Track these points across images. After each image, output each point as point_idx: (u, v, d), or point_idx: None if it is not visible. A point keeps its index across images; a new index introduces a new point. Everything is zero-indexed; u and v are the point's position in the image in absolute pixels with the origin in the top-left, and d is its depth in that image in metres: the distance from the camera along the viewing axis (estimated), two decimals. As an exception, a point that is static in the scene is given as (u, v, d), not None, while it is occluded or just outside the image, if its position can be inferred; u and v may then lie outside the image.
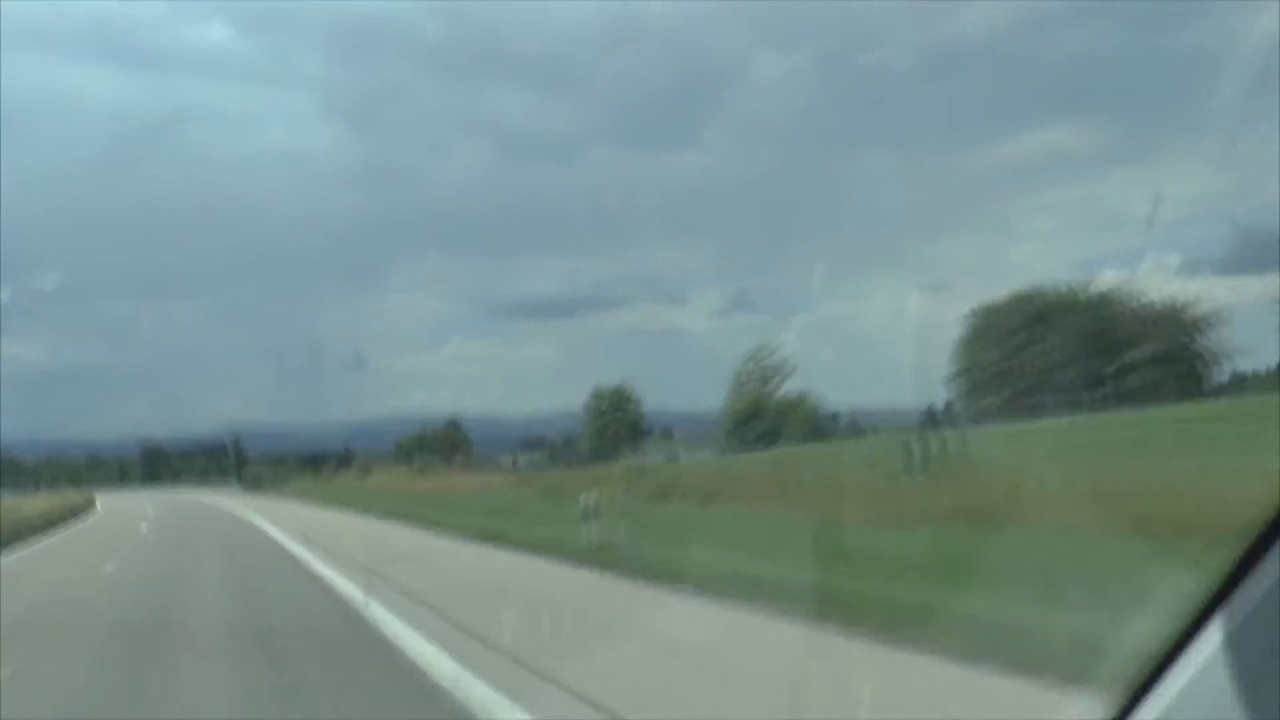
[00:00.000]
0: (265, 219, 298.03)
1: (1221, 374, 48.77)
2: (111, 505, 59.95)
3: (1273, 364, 45.75)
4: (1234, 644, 1.48)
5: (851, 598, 8.44)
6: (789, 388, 56.82)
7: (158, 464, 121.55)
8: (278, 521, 30.01)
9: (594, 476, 27.52)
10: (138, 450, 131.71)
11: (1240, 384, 46.00)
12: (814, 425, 52.62)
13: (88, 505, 56.19)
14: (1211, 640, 1.52)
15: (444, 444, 70.83)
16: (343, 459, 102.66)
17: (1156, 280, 52.73)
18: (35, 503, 49.23)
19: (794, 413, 54.10)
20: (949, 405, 50.86)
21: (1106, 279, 62.90)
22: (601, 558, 13.72)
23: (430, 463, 61.17)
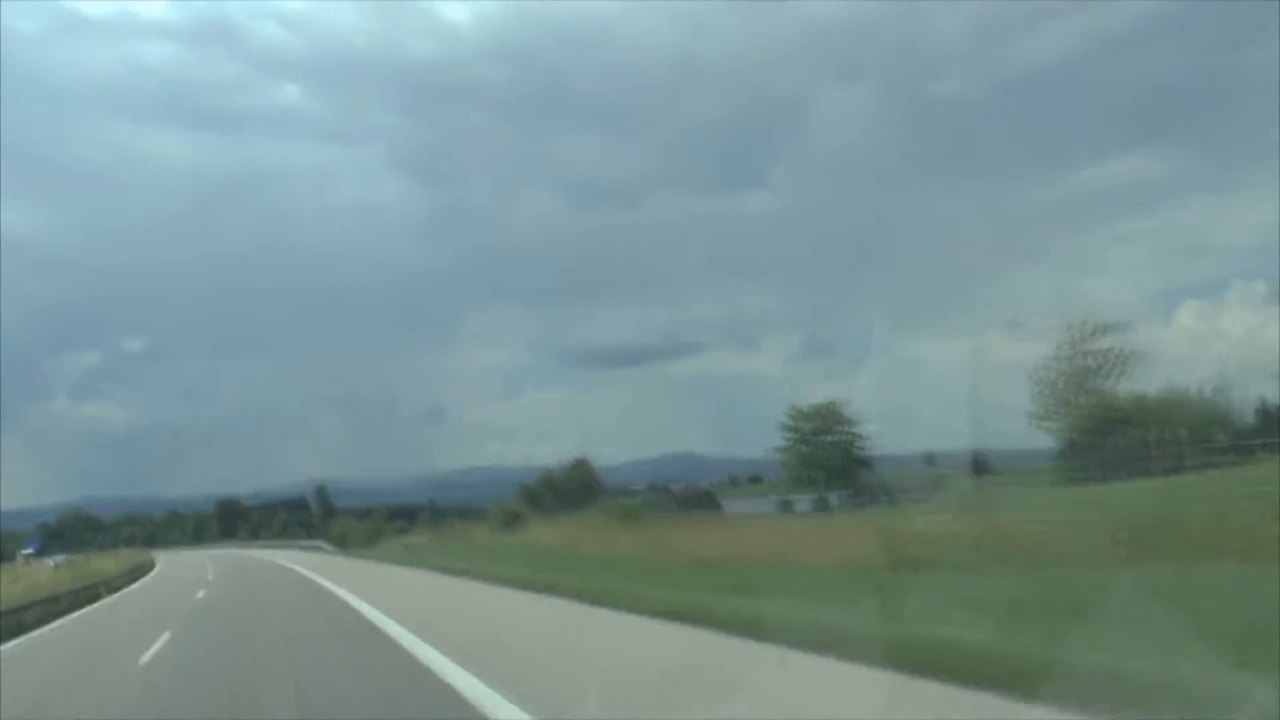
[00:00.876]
0: (339, 273, 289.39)
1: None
2: (166, 572, 50.28)
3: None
4: None
5: None
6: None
7: (234, 519, 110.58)
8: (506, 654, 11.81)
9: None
10: (214, 506, 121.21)
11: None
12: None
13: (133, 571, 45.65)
14: None
15: (576, 487, 55.47)
16: (435, 512, 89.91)
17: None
18: (49, 574, 38.79)
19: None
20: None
21: (1190, 309, 55.48)
22: None
23: (563, 510, 45.89)
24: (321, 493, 75.41)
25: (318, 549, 67.64)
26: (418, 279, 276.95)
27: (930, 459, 51.71)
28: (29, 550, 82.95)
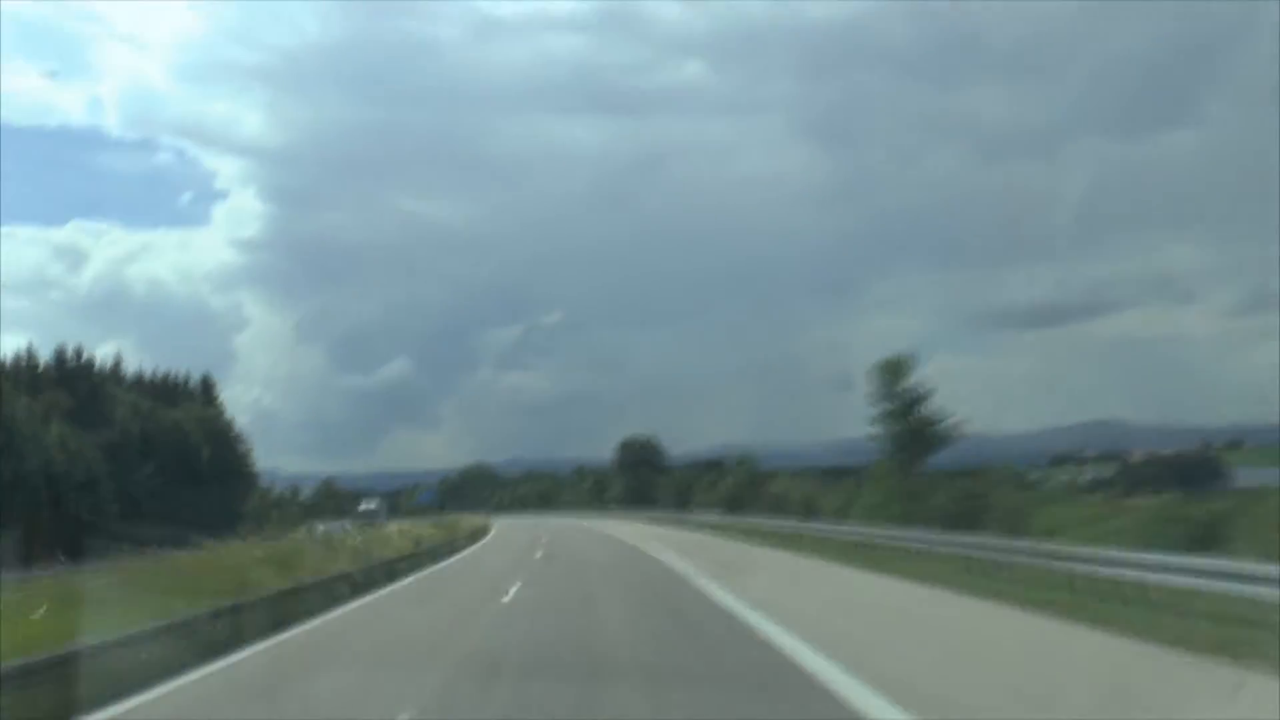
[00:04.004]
0: (743, 244, 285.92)
1: None
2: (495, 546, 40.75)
3: None
4: None
5: None
6: None
7: (647, 481, 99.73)
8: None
9: None
10: (619, 461, 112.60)
11: None
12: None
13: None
14: None
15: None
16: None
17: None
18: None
19: None
20: None
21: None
22: None
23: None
24: (745, 460, 60.38)
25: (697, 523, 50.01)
26: (820, 246, 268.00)
27: None
28: (369, 505, 75.35)
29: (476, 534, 45.67)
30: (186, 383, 74.52)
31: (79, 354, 63.30)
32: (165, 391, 70.55)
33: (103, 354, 72.06)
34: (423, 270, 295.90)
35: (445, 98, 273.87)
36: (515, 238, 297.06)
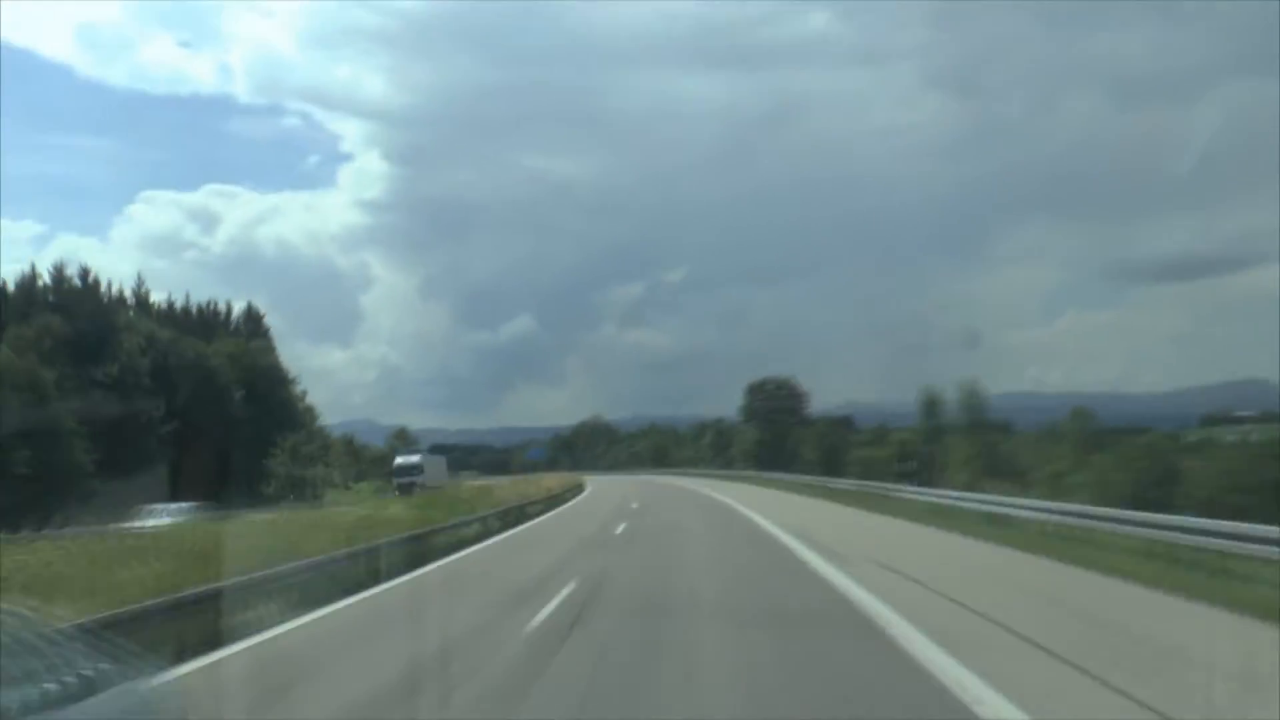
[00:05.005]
0: (870, 197, 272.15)
1: None
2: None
3: None
4: None
5: None
6: None
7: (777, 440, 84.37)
8: None
9: None
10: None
11: None
12: None
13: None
14: None
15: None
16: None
17: None
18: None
19: None
20: None
21: None
22: None
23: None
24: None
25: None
26: (948, 198, 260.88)
27: None
28: (408, 459, 59.71)
29: (531, 510, 31.57)
30: (229, 314, 63.34)
31: (85, 274, 52.22)
32: (200, 325, 59.31)
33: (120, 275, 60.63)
34: (546, 227, 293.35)
35: (568, 55, 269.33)
36: (639, 194, 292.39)
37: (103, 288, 53.46)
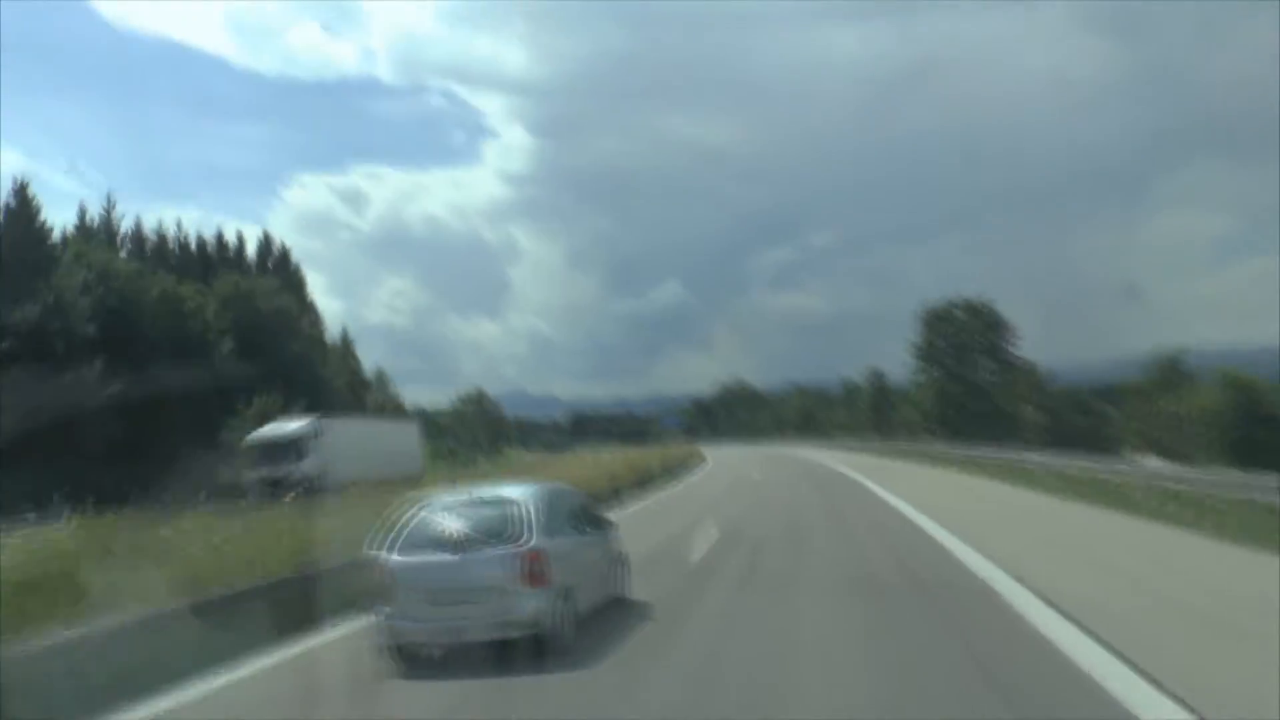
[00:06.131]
0: (1022, 148, 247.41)
1: None
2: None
3: None
4: None
5: None
6: None
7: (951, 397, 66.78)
8: None
9: None
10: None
11: None
12: None
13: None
14: None
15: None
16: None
17: None
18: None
19: None
20: None
21: None
22: None
23: None
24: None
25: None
26: (1108, 146, 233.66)
27: None
28: (286, 426, 35.47)
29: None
30: (240, 247, 50.34)
31: (21, 190, 39.53)
32: (200, 264, 46.52)
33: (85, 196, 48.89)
34: (693, 192, 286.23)
35: (707, 18, 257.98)
36: (785, 155, 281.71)
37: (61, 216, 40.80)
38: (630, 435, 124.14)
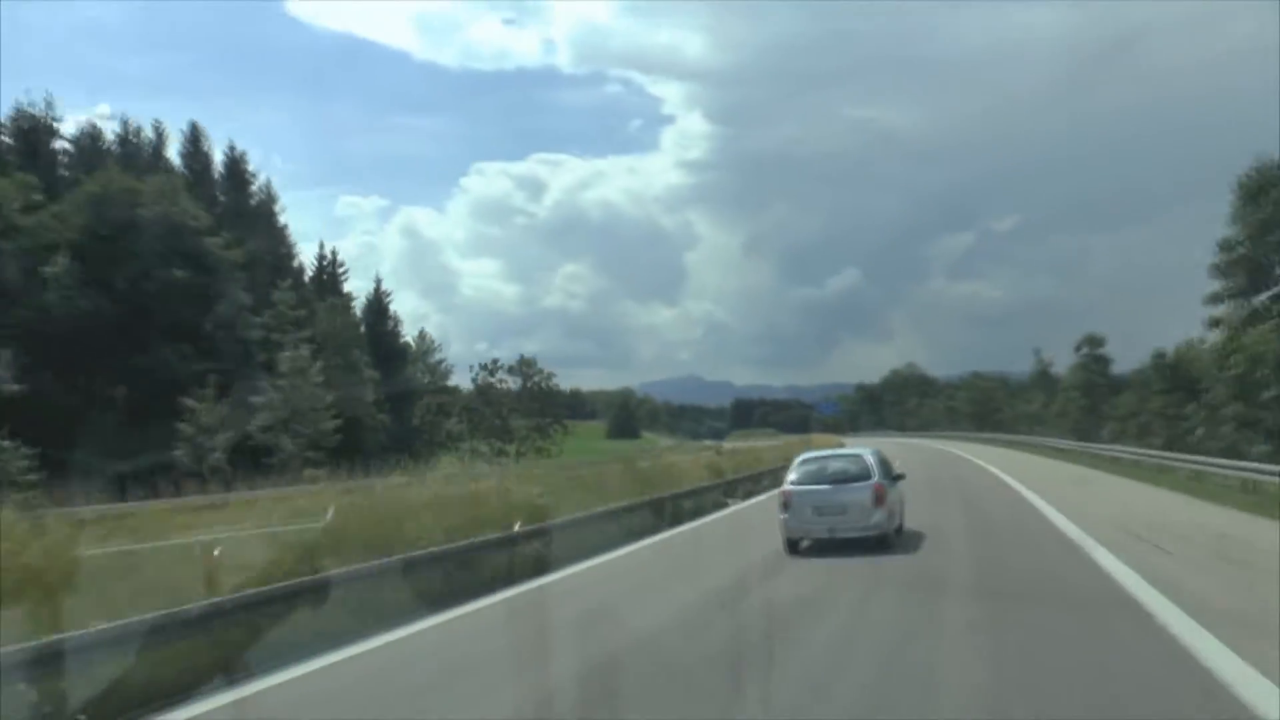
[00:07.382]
0: (1224, 126, 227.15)
1: None
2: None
3: None
4: None
5: None
6: None
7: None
8: None
9: None
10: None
11: None
12: None
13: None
14: None
15: None
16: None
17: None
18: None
19: None
20: None
21: None
22: None
23: None
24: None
25: None
26: None
27: None
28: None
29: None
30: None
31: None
32: (122, 159, 42.54)
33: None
34: (872, 178, 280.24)
35: (874, 4, 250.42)
36: (967, 138, 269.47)
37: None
38: (793, 425, 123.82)
